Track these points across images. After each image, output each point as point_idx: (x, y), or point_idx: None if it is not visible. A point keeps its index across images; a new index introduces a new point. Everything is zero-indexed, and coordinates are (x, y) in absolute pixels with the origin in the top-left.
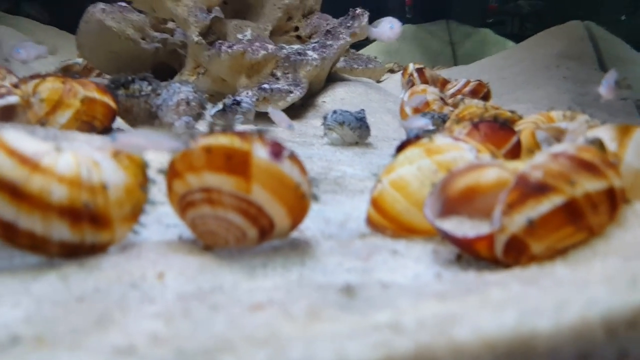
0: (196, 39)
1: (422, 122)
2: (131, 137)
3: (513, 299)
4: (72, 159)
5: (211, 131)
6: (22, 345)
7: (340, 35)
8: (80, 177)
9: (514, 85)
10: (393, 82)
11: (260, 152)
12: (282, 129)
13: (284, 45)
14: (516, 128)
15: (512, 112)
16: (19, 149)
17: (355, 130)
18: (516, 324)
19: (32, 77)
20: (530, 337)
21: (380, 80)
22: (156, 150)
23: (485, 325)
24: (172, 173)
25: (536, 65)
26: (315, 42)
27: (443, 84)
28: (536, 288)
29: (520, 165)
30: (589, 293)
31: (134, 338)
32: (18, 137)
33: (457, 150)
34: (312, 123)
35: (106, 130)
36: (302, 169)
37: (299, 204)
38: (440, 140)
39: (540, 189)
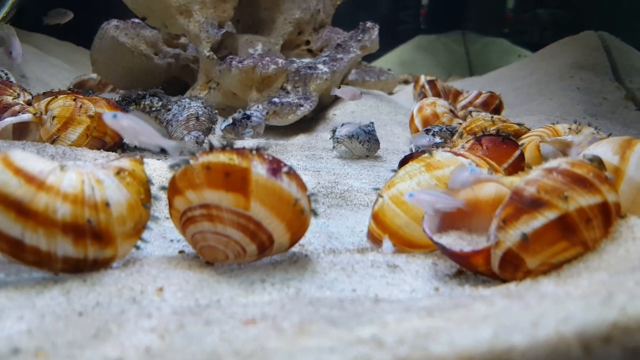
0: (207, 54)
1: (425, 141)
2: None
3: (494, 315)
4: (76, 177)
5: (211, 148)
6: (21, 356)
7: (351, 49)
8: (83, 194)
9: (527, 96)
10: (405, 94)
11: (258, 169)
12: (297, 144)
13: (294, 59)
14: (521, 141)
15: (520, 124)
16: (25, 168)
17: (364, 143)
18: (492, 339)
19: (45, 94)
20: (506, 352)
21: (393, 92)
22: (147, 141)
23: (462, 340)
24: (173, 190)
25: (550, 76)
26: (326, 56)
27: (455, 95)
28: (519, 303)
29: (516, 180)
30: (566, 309)
31: (126, 351)
32: (24, 157)
33: (456, 165)
34: (322, 136)
35: (117, 145)
36: (301, 185)
37: (298, 219)
38: (441, 155)
39: (533, 204)
